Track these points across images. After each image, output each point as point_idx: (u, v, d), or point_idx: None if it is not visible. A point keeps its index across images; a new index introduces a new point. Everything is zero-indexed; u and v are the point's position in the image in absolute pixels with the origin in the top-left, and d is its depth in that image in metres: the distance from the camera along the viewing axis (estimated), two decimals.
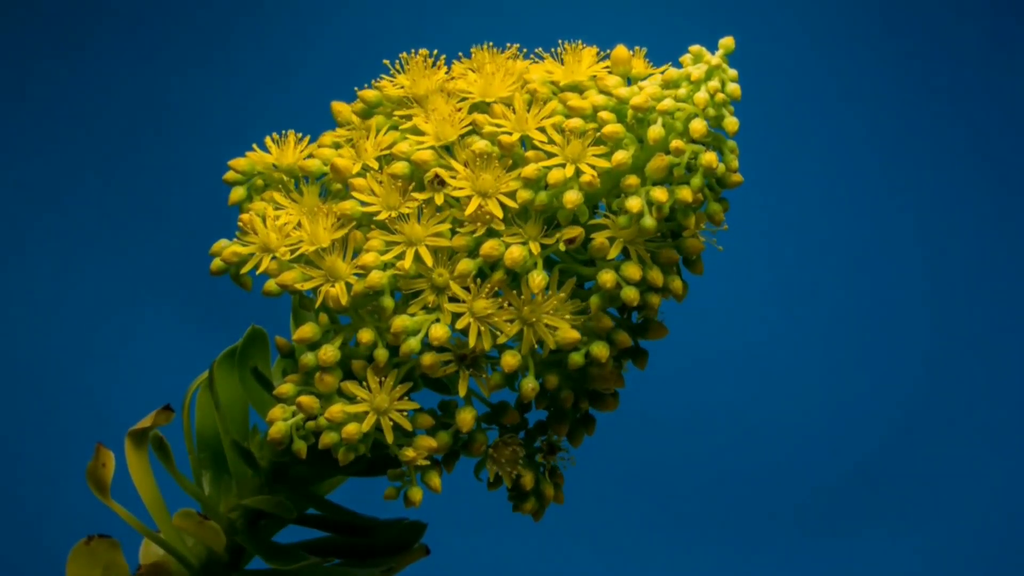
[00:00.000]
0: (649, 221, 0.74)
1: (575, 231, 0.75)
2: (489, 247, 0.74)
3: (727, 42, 0.77)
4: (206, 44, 1.63)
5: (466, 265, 0.74)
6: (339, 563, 0.83)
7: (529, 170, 0.74)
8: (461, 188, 0.75)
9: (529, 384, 0.76)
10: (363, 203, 0.76)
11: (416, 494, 0.77)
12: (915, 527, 1.60)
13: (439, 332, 0.74)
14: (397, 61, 0.82)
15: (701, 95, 0.75)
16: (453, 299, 0.74)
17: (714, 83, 0.76)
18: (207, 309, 1.54)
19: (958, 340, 1.65)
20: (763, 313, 1.65)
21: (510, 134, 0.75)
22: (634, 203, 0.74)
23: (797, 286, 1.65)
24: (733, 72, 0.76)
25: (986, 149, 1.68)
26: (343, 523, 0.85)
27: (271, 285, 0.77)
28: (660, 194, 0.74)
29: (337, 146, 0.81)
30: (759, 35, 1.65)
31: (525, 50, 0.81)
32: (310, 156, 0.81)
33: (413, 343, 0.74)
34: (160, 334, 1.58)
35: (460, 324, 0.74)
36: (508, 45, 0.81)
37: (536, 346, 0.75)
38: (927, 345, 1.65)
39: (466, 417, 0.76)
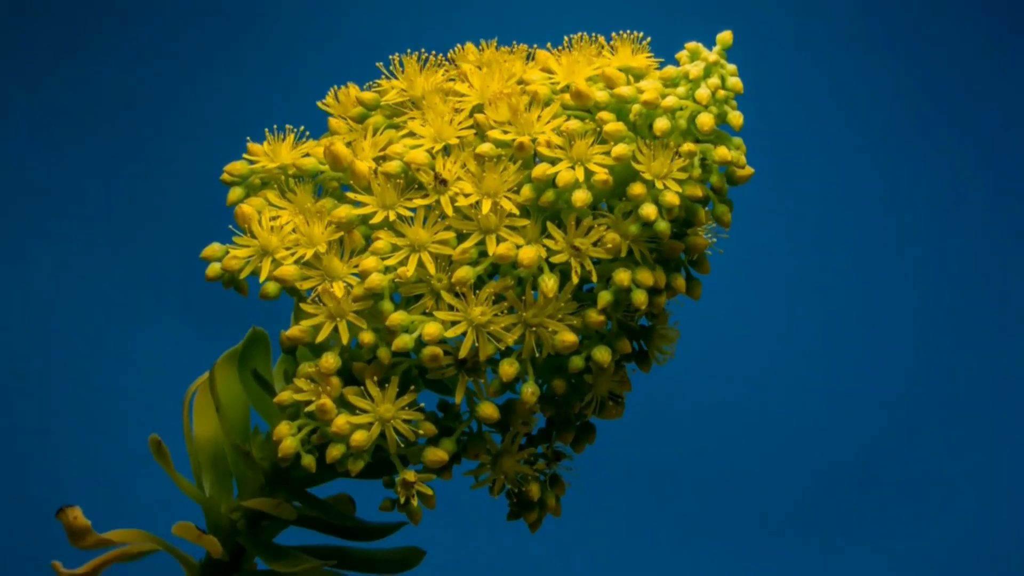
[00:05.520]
0: (663, 225, 0.74)
1: (588, 228, 0.74)
2: (505, 249, 0.73)
3: (724, 37, 0.76)
4: (206, 45, 1.63)
5: (464, 272, 0.74)
6: (338, 567, 0.83)
7: (538, 170, 0.74)
8: (469, 194, 0.74)
9: (529, 389, 0.75)
10: (358, 203, 0.76)
11: (417, 514, 0.76)
12: (911, 528, 1.60)
13: (432, 329, 0.73)
14: (393, 63, 0.81)
15: (703, 92, 0.75)
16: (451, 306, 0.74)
17: (714, 80, 0.75)
18: (208, 311, 1.54)
19: (956, 342, 1.65)
20: (759, 315, 1.65)
21: (516, 137, 0.75)
22: (650, 210, 0.73)
23: (794, 288, 1.65)
24: (732, 67, 0.76)
25: (983, 147, 1.68)
26: (343, 527, 0.84)
27: (269, 287, 0.76)
28: (671, 198, 0.73)
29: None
30: (755, 34, 1.64)
31: (535, 47, 0.81)
32: (307, 155, 0.80)
33: (407, 340, 0.73)
34: (161, 336, 1.58)
35: (455, 332, 0.73)
36: (515, 47, 0.81)
37: (536, 351, 0.75)
38: (924, 348, 1.65)
39: (487, 410, 0.75)
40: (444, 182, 0.75)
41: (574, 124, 0.75)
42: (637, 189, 0.73)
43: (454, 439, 0.76)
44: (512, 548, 1.54)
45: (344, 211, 0.76)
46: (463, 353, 0.74)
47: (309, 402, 0.75)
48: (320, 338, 0.74)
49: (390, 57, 0.82)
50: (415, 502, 0.75)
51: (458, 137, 0.76)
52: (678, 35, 0.78)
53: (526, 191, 0.74)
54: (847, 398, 1.64)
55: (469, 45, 0.81)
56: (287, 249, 0.76)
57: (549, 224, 0.74)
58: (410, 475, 0.75)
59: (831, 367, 1.64)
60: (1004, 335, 1.66)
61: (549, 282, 0.73)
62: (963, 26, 1.68)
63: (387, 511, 0.77)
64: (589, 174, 0.74)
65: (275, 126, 0.82)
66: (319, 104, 0.83)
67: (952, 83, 1.68)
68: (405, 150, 0.76)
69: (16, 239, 1.59)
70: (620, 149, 0.74)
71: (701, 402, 1.62)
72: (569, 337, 0.74)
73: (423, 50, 0.81)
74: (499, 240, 0.74)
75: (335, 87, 0.83)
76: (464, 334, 0.73)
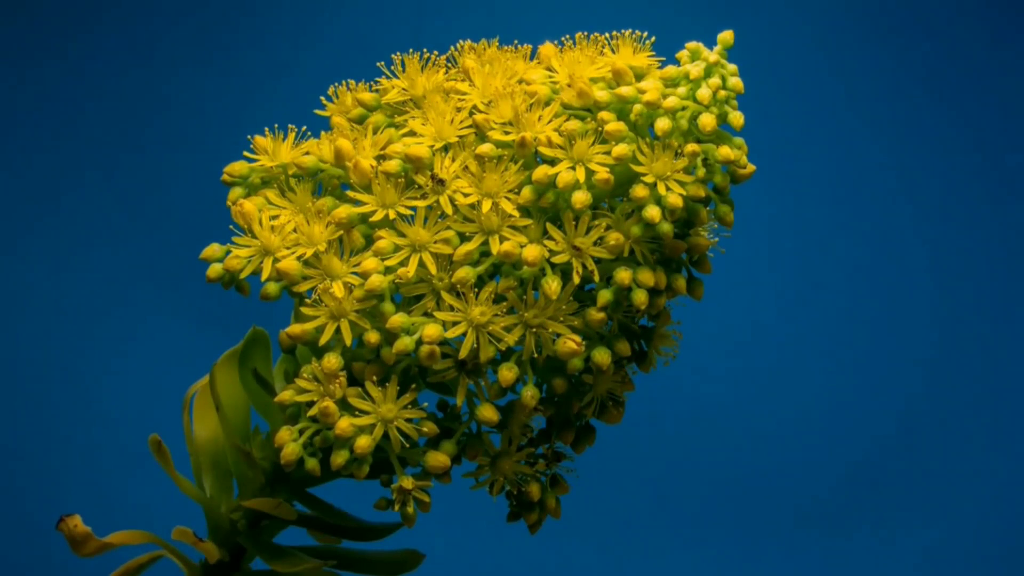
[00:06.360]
0: (666, 227, 0.73)
1: (588, 228, 0.74)
2: (509, 246, 0.73)
3: (725, 37, 0.76)
4: (205, 44, 1.63)
5: (464, 272, 0.74)
6: (338, 567, 0.83)
7: (539, 172, 0.74)
8: (468, 194, 0.74)
9: (528, 392, 0.75)
10: (358, 203, 0.75)
11: (412, 518, 0.76)
12: (914, 528, 1.59)
13: (432, 331, 0.73)
14: (394, 63, 0.81)
15: (704, 92, 0.74)
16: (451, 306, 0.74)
17: (715, 80, 0.75)
18: (208, 310, 1.54)
19: (958, 341, 1.65)
20: (762, 314, 1.65)
21: (516, 136, 0.75)
22: (654, 212, 0.73)
23: (797, 287, 1.65)
24: (732, 67, 0.76)
25: (987, 147, 1.68)
26: (343, 527, 0.84)
27: (270, 287, 0.76)
28: (674, 199, 0.73)
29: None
30: (758, 32, 1.64)
31: (531, 46, 0.81)
32: (307, 153, 0.80)
33: (408, 341, 0.73)
34: (161, 335, 1.57)
35: (454, 332, 0.73)
36: (516, 46, 0.81)
37: (535, 353, 0.74)
38: (928, 346, 1.65)
39: (487, 413, 0.75)
40: (441, 182, 0.75)
41: (574, 124, 0.75)
42: (640, 191, 0.73)
43: (454, 441, 0.76)
44: (511, 547, 1.54)
45: (344, 210, 0.75)
46: (463, 354, 0.73)
47: (311, 403, 0.75)
48: (323, 340, 0.74)
49: (392, 56, 0.82)
50: (410, 509, 0.75)
51: (459, 136, 0.76)
52: (679, 34, 0.78)
53: (526, 192, 0.74)
54: (853, 397, 1.63)
55: (479, 43, 0.81)
56: (287, 248, 0.76)
57: (548, 225, 0.74)
58: (407, 482, 0.75)
59: (836, 366, 1.64)
60: (1010, 334, 1.66)
61: (552, 284, 0.73)
62: (967, 24, 1.67)
63: (382, 510, 0.76)
64: (590, 174, 0.73)
65: (276, 125, 0.81)
66: (317, 112, 0.83)
67: (955, 82, 1.68)
68: (405, 147, 0.76)
69: (15, 239, 1.59)
70: (621, 149, 0.73)
71: (703, 402, 1.62)
72: (571, 345, 0.74)
73: (425, 50, 0.81)
74: (502, 240, 0.74)
75: (335, 85, 0.82)
76: (464, 335, 0.73)
